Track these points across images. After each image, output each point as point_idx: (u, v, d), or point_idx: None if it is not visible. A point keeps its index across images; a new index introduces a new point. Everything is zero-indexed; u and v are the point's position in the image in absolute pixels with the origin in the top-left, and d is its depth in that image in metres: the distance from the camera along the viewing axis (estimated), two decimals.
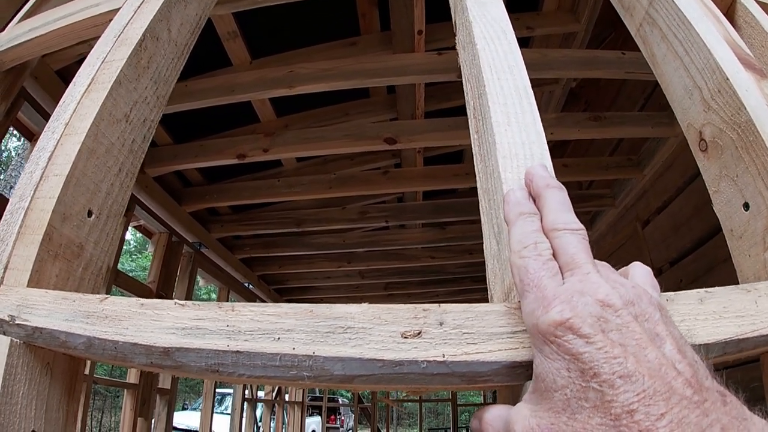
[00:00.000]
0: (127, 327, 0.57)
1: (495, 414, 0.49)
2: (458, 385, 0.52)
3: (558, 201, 0.55)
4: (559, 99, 4.15)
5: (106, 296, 0.61)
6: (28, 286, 0.70)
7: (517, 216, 0.56)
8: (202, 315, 0.56)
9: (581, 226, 0.53)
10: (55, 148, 0.83)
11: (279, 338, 0.53)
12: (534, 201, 0.58)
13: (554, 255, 0.51)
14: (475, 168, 0.72)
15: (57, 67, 2.90)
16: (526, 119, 0.67)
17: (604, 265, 0.51)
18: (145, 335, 0.56)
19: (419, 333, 0.52)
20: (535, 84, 3.79)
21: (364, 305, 0.55)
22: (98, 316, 0.60)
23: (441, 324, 0.53)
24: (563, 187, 0.58)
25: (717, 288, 0.57)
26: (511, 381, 0.51)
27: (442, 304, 0.54)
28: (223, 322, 0.55)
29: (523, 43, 3.61)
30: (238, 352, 0.53)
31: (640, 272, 0.53)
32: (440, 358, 0.51)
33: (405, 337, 0.52)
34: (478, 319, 0.53)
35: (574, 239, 0.51)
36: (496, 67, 0.74)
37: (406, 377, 0.52)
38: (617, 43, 3.62)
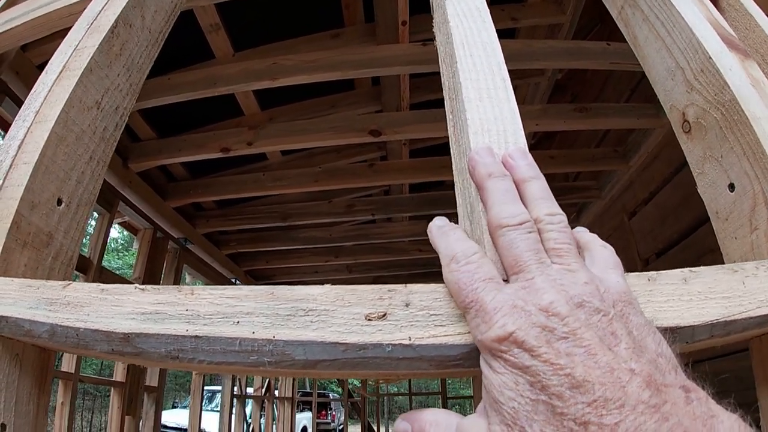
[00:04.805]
0: (88, 313, 0.55)
1: (438, 418, 0.46)
2: (427, 371, 0.50)
3: (500, 191, 0.53)
4: (545, 91, 4.14)
5: (69, 282, 0.59)
6: None
7: (438, 228, 0.54)
8: (162, 299, 0.54)
9: (526, 217, 0.50)
10: (25, 137, 0.81)
11: (238, 322, 0.51)
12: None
13: (499, 254, 0.49)
14: (450, 149, 0.70)
15: (39, 61, 2.87)
16: (499, 95, 0.65)
17: (563, 239, 0.49)
18: (105, 321, 0.54)
19: (384, 315, 0.50)
20: (520, 75, 3.80)
21: (327, 286, 0.53)
22: (60, 303, 0.57)
23: (407, 305, 0.51)
24: (507, 174, 0.55)
25: (702, 268, 0.55)
26: None
27: (408, 285, 0.52)
28: (182, 306, 0.53)
29: (509, 34, 3.60)
30: (197, 336, 0.51)
31: (600, 253, 0.51)
32: (406, 341, 0.49)
33: (369, 320, 0.50)
34: (446, 299, 0.51)
35: (517, 236, 0.48)
36: (469, 44, 0.71)
37: (371, 362, 0.49)
38: (603, 35, 3.62)
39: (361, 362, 0.50)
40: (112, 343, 0.54)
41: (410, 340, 0.49)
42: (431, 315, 0.50)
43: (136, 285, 0.56)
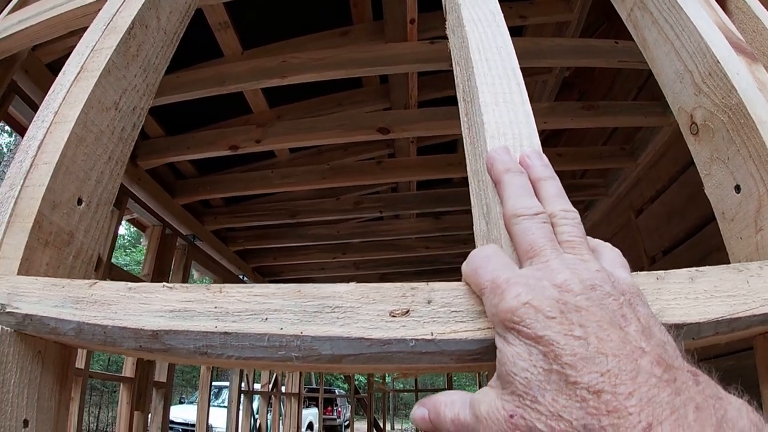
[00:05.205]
0: (115, 311, 0.57)
1: (451, 398, 0.48)
2: (447, 365, 0.52)
3: (517, 185, 0.55)
4: (552, 88, 4.14)
5: (95, 281, 0.60)
6: (17, 274, 0.69)
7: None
8: (191, 297, 0.56)
9: (540, 209, 0.52)
10: (44, 137, 0.82)
11: (267, 318, 0.53)
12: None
13: (513, 243, 0.52)
14: (465, 150, 0.72)
15: (48, 60, 2.88)
16: (515, 99, 0.67)
17: (576, 245, 0.50)
18: (133, 319, 0.56)
19: (407, 311, 0.52)
20: (528, 73, 3.79)
21: (352, 284, 0.54)
22: (87, 302, 0.59)
23: (429, 302, 0.52)
24: (523, 171, 0.57)
25: (708, 267, 0.57)
26: None
27: (430, 282, 0.54)
28: (211, 304, 0.55)
29: (516, 32, 3.61)
30: (226, 333, 0.53)
31: (608, 254, 0.53)
32: (429, 337, 0.50)
33: (393, 316, 0.52)
34: (466, 296, 0.52)
35: (533, 225, 0.51)
36: (485, 49, 0.73)
37: (394, 356, 0.51)
38: (611, 33, 3.61)
39: (385, 357, 0.51)
40: (140, 340, 0.56)
41: (432, 335, 0.51)
42: (452, 311, 0.52)
43: (164, 284, 0.57)
